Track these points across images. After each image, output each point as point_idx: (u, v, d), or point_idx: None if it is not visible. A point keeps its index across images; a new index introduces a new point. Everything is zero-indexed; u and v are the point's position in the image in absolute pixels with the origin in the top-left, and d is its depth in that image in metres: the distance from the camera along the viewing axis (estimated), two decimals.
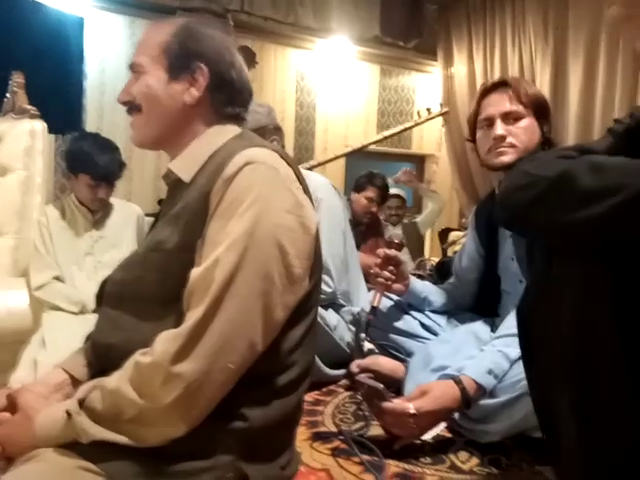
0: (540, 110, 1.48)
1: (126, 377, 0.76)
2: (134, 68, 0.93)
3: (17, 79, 2.12)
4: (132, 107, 0.92)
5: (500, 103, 1.47)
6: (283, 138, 1.85)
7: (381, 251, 1.62)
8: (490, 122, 1.48)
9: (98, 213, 2.04)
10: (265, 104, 1.89)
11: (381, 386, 1.20)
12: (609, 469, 0.64)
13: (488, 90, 1.52)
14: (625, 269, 0.62)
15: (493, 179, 1.85)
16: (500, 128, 1.45)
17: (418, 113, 4.05)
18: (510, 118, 1.46)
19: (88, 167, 1.92)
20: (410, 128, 3.93)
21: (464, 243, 1.80)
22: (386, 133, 3.95)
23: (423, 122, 3.98)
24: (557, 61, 4.00)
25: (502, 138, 1.45)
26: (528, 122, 1.46)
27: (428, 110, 3.91)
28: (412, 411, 1.15)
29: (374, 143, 3.79)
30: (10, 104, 2.11)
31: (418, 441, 1.22)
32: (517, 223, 0.78)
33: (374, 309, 1.57)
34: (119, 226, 2.07)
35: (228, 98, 0.93)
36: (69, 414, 0.76)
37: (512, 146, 1.45)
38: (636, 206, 0.59)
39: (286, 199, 0.82)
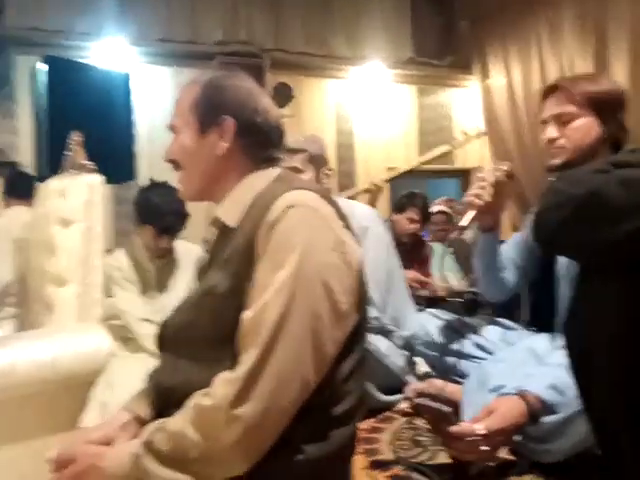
0: (601, 108, 1.45)
1: (188, 419, 0.80)
2: (172, 129, 1.01)
3: (75, 138, 2.29)
4: (175, 165, 1.00)
5: (553, 106, 1.49)
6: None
7: (489, 172, 1.53)
8: (545, 125, 1.51)
9: (163, 258, 2.14)
10: (320, 138, 1.99)
11: (447, 409, 1.17)
12: None
13: (545, 93, 1.54)
14: None
15: None
16: (551, 131, 1.48)
17: (465, 133, 4.00)
18: (562, 120, 1.47)
19: (154, 220, 2.02)
20: (446, 153, 3.93)
21: (519, 236, 1.71)
22: (422, 159, 3.97)
23: (460, 146, 3.98)
24: (598, 63, 3.91)
25: (552, 140, 1.47)
26: (582, 122, 1.45)
27: (465, 133, 3.91)
28: (482, 432, 1.12)
29: (410, 170, 3.80)
30: (70, 161, 2.28)
31: (492, 464, 1.19)
32: (550, 243, 0.78)
33: (463, 229, 1.51)
34: (181, 270, 2.16)
35: (258, 143, 0.98)
36: (136, 456, 0.80)
37: (562, 147, 1.46)
38: None
39: (329, 238, 0.85)
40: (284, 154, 1.05)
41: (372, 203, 3.49)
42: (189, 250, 2.24)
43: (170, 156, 1.00)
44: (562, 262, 1.53)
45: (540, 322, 1.63)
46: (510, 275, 1.65)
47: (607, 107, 1.45)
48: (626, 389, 0.66)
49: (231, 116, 0.96)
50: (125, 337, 2.06)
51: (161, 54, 4.13)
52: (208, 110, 0.97)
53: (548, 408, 1.19)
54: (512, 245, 1.67)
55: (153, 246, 2.08)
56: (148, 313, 2.04)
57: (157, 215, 2.00)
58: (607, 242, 0.64)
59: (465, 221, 1.48)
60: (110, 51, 3.88)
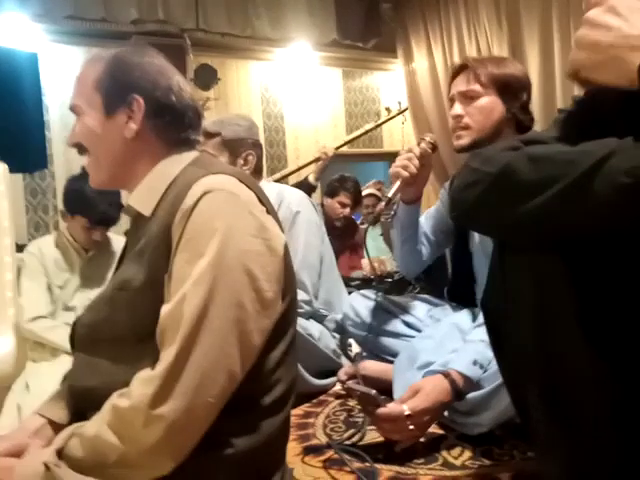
0: (505, 88, 1.49)
1: (105, 422, 0.75)
2: (73, 110, 0.92)
3: None
4: (81, 149, 0.92)
5: (460, 83, 1.53)
6: (262, 155, 1.85)
7: (425, 143, 1.53)
8: (452, 102, 1.54)
9: (91, 251, 2.02)
10: (248, 119, 1.90)
11: (373, 392, 1.18)
12: (577, 451, 0.66)
13: (454, 73, 1.58)
14: (577, 259, 0.64)
15: None
16: (456, 108, 1.51)
17: (387, 109, 4.07)
18: (467, 98, 1.50)
19: (86, 211, 1.87)
20: (371, 130, 3.98)
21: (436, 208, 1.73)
22: (346, 138, 3.99)
23: (384, 122, 4.04)
24: (514, 45, 4.07)
25: (458, 117, 1.50)
26: (485, 101, 1.49)
27: (387, 109, 3.98)
28: (407, 412, 1.14)
29: (337, 152, 3.77)
30: None
31: (422, 439, 1.22)
32: (467, 221, 0.79)
33: (389, 201, 1.50)
34: (110, 262, 2.04)
35: (172, 123, 0.91)
36: (47, 466, 0.74)
37: (467, 128, 1.49)
38: (572, 196, 0.60)
39: (250, 224, 0.81)
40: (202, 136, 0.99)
41: (321, 171, 3.45)
42: (120, 243, 2.12)
43: (74, 140, 0.92)
44: (475, 237, 1.58)
45: (460, 295, 1.67)
46: (424, 249, 1.69)
47: (510, 88, 1.50)
48: (539, 362, 0.68)
49: (140, 95, 0.88)
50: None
51: (71, 33, 3.85)
52: (114, 88, 0.89)
53: (472, 384, 1.23)
54: (427, 219, 1.71)
55: (84, 238, 1.96)
56: (51, 310, 1.91)
57: (90, 206, 1.86)
58: (519, 218, 0.65)
59: (391, 192, 1.50)
60: (11, 29, 3.56)
